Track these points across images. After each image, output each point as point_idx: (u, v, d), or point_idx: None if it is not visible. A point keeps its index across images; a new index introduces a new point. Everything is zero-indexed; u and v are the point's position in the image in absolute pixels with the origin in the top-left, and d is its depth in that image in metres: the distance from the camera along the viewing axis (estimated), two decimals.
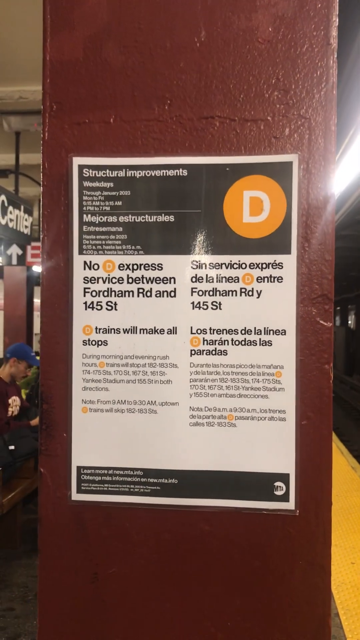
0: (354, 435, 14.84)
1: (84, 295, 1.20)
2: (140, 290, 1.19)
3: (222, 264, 1.17)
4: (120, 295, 1.20)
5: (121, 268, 1.19)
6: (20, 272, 10.97)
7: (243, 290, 1.17)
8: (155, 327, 1.19)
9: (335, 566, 3.86)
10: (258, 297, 1.17)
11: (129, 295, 1.20)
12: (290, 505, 1.17)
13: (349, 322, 31.84)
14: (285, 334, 1.16)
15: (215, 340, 1.18)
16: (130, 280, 1.19)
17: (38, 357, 1.35)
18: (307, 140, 1.16)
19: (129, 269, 1.19)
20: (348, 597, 3.43)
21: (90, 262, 1.20)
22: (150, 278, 1.19)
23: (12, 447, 4.73)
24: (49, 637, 1.23)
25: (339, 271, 22.04)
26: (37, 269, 10.37)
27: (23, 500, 4.97)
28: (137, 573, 1.21)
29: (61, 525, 1.22)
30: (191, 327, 1.18)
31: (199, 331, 1.18)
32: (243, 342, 1.17)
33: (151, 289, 1.19)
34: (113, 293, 1.20)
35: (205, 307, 1.18)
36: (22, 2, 5.14)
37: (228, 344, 1.18)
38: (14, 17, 5.53)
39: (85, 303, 1.20)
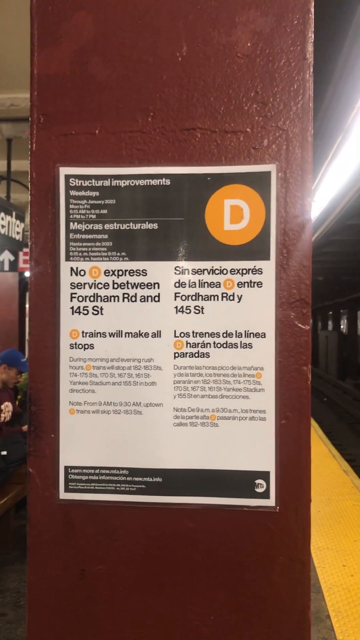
0: (346, 439, 14.90)
1: (71, 301, 1.24)
2: (126, 295, 1.24)
3: (204, 270, 1.22)
4: (106, 300, 1.24)
5: (107, 274, 1.24)
6: (12, 278, 11.00)
7: (224, 295, 1.22)
8: (140, 331, 1.23)
9: (327, 569, 3.89)
10: (239, 302, 1.21)
11: (114, 300, 1.24)
12: (271, 502, 1.21)
13: (342, 326, 31.98)
14: (265, 337, 1.21)
15: (198, 343, 1.22)
16: (115, 285, 1.24)
17: None
18: (284, 151, 1.21)
19: (115, 275, 1.24)
20: (339, 599, 3.46)
21: (77, 268, 1.24)
22: (135, 283, 1.23)
23: (4, 453, 4.75)
24: (38, 633, 1.27)
25: (331, 275, 22.16)
26: (28, 274, 10.36)
27: (16, 505, 4.99)
28: (123, 569, 1.25)
29: (49, 523, 1.26)
30: (175, 331, 1.23)
31: (182, 334, 1.22)
32: (225, 345, 1.22)
33: (136, 294, 1.23)
34: (99, 298, 1.24)
35: (188, 311, 1.22)
36: (14, 12, 5.20)
37: (210, 347, 1.22)
38: (5, 27, 5.59)
39: (72, 308, 1.24)
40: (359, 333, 27.93)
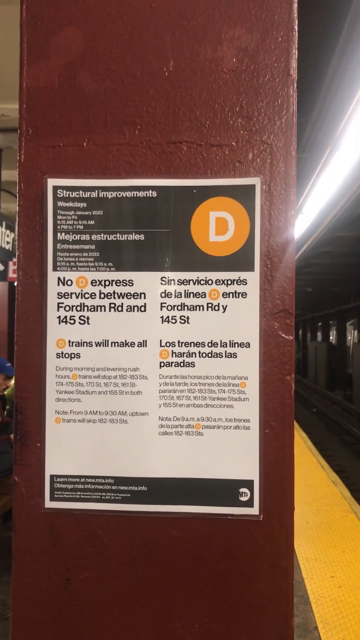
0: (335, 450, 14.93)
1: (58, 310, 1.26)
2: (112, 305, 1.25)
3: (189, 280, 1.24)
4: (92, 310, 1.25)
5: (94, 284, 1.25)
6: (2, 287, 10.97)
7: (209, 305, 1.23)
8: (126, 341, 1.25)
9: (315, 580, 3.89)
10: (224, 312, 1.23)
11: (101, 310, 1.25)
12: (255, 510, 1.22)
13: (331, 337, 32.10)
14: (249, 347, 1.23)
15: (184, 353, 1.24)
16: (102, 295, 1.25)
17: None
18: (269, 165, 1.23)
19: (101, 285, 1.25)
20: (327, 611, 3.46)
21: (64, 278, 1.26)
22: (121, 293, 1.25)
23: None
24: None
25: (320, 287, 22.29)
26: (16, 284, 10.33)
27: (3, 516, 4.95)
28: (108, 578, 1.25)
29: (34, 532, 1.26)
30: (160, 340, 1.24)
31: (167, 344, 1.24)
32: (210, 355, 1.23)
33: (122, 304, 1.25)
34: (86, 308, 1.25)
35: (174, 321, 1.24)
36: (4, 25, 5.24)
37: (195, 356, 1.24)
38: None
39: (59, 317, 1.26)
40: (348, 344, 28.05)
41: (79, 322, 1.26)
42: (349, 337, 29.31)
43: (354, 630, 3.21)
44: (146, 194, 1.24)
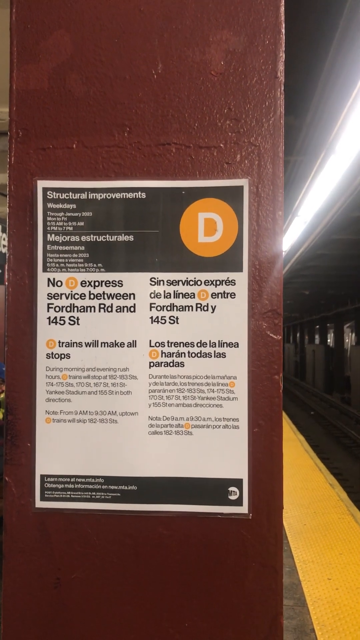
0: (333, 453, 14.94)
1: (48, 311, 1.26)
2: (102, 306, 1.26)
3: (179, 281, 1.25)
4: (82, 310, 1.26)
5: (83, 285, 1.26)
6: (0, 290, 10.96)
7: (199, 305, 1.24)
8: (115, 341, 1.26)
9: (312, 582, 3.89)
10: (212, 312, 1.24)
11: (90, 311, 1.26)
12: (244, 509, 1.23)
13: (328, 340, 32.14)
14: (238, 347, 1.24)
15: (173, 353, 1.25)
16: (92, 296, 1.26)
17: None
18: (256, 166, 1.24)
19: (91, 286, 1.26)
20: (324, 613, 3.46)
21: (54, 279, 1.27)
22: (111, 294, 1.26)
23: None
24: None
25: (317, 290, 22.31)
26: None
27: None
28: (98, 577, 1.26)
29: (25, 532, 1.27)
30: (150, 341, 1.25)
31: (157, 344, 1.25)
32: (199, 355, 1.24)
33: (112, 304, 1.26)
34: (75, 308, 1.26)
35: (163, 321, 1.25)
36: None
37: (185, 356, 1.25)
38: None
39: (49, 318, 1.27)
40: (346, 347, 28.09)
41: (69, 323, 1.26)
42: (347, 340, 29.35)
43: (350, 633, 3.21)
44: (135, 195, 1.25)
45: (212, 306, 1.24)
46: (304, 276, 17.32)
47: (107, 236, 1.26)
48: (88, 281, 1.26)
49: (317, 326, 34.85)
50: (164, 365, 1.25)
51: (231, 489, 1.23)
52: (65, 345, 1.26)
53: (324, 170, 6.50)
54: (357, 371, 21.01)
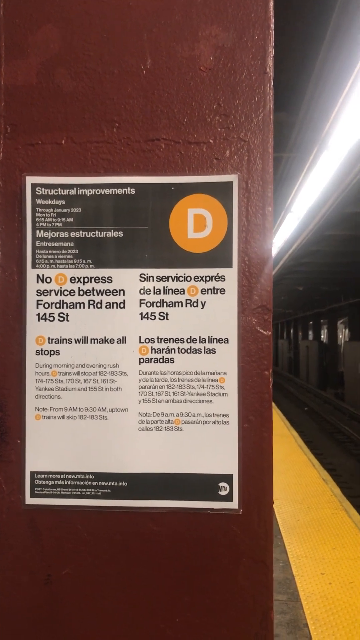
0: (327, 448, 14.99)
1: (37, 307, 1.26)
2: (91, 302, 1.26)
3: (168, 277, 1.24)
4: (71, 307, 1.26)
5: (73, 281, 1.26)
6: None
7: (188, 301, 1.24)
8: (105, 337, 1.25)
9: (305, 577, 3.90)
10: (202, 308, 1.24)
11: (80, 307, 1.26)
12: (234, 504, 1.23)
13: (322, 336, 32.20)
14: (227, 342, 1.24)
15: (163, 349, 1.25)
16: (81, 292, 1.26)
17: None
18: (246, 162, 1.24)
19: (80, 282, 1.26)
20: (317, 608, 3.47)
21: (43, 275, 1.26)
22: (100, 290, 1.25)
23: None
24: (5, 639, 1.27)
25: (311, 286, 22.35)
26: None
27: None
28: (89, 573, 1.26)
29: (15, 529, 1.27)
30: (140, 337, 1.25)
31: (147, 340, 1.25)
32: (189, 350, 1.24)
33: (101, 300, 1.25)
34: (65, 305, 1.26)
35: (153, 317, 1.25)
36: None
37: (175, 352, 1.25)
38: None
39: (38, 314, 1.26)
40: (339, 343, 28.14)
41: (59, 319, 1.26)
42: (340, 336, 29.41)
43: (343, 627, 3.23)
44: (124, 191, 1.25)
45: (201, 302, 1.24)
46: (297, 272, 17.34)
47: (97, 232, 1.25)
48: (77, 277, 1.26)
49: (311, 322, 34.90)
50: (154, 362, 1.25)
51: (221, 484, 1.24)
52: (55, 342, 1.26)
53: (317, 166, 6.50)
54: (350, 367, 21.07)
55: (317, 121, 5.24)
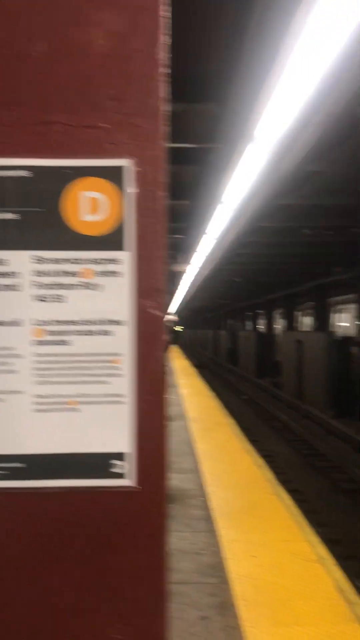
0: (263, 436, 15.32)
1: None
2: None
3: (62, 259, 1.25)
4: None
5: None
6: None
7: (83, 283, 1.26)
8: None
9: (237, 560, 3.99)
10: (97, 291, 1.26)
11: None
12: (130, 482, 1.26)
13: (260, 326, 32.77)
14: (123, 325, 1.26)
15: (58, 332, 1.26)
16: None
17: None
18: (139, 147, 1.26)
19: None
20: (246, 589, 3.56)
21: None
22: None
23: None
24: None
25: (248, 277, 22.65)
26: None
27: None
28: None
29: None
30: (34, 319, 1.25)
31: (41, 323, 1.26)
32: (84, 333, 1.26)
33: None
34: None
35: (47, 300, 1.25)
36: None
37: (70, 335, 1.26)
38: None
39: None
40: (276, 332, 28.74)
41: None
42: (277, 326, 30.04)
43: (269, 605, 3.34)
44: (17, 173, 1.25)
45: (96, 285, 1.26)
46: (235, 263, 17.56)
47: None
48: None
49: (249, 313, 35.44)
50: (50, 344, 1.26)
51: (117, 462, 1.26)
52: None
53: (245, 158, 6.60)
54: (286, 356, 21.57)
55: (245, 113, 5.33)
